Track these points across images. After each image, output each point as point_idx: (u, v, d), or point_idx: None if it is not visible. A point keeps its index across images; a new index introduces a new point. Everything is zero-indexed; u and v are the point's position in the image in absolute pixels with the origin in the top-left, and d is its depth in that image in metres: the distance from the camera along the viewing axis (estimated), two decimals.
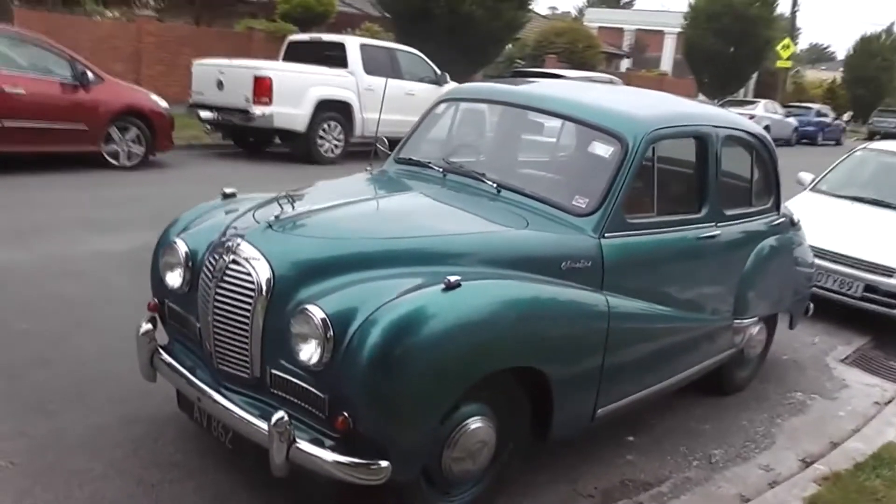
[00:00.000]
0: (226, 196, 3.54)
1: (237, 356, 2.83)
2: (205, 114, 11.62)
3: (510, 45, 30.24)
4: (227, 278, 2.82)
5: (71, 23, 15.71)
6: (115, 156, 9.53)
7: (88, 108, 9.07)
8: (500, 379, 2.89)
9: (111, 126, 9.36)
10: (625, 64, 41.62)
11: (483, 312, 2.71)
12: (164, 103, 10.06)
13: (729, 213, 4.03)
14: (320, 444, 2.61)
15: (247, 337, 2.77)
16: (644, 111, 3.71)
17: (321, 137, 11.71)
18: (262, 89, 10.98)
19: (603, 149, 3.47)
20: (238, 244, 2.83)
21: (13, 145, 8.52)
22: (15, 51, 8.73)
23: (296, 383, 2.69)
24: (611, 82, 15.58)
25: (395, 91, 11.85)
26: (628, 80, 29.59)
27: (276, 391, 2.77)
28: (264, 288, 2.72)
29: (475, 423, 2.84)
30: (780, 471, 3.81)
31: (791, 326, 5.05)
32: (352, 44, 12.43)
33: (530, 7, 20.83)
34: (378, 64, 12.40)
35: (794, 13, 36.04)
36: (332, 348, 2.55)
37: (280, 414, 2.58)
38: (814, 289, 6.01)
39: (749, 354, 4.61)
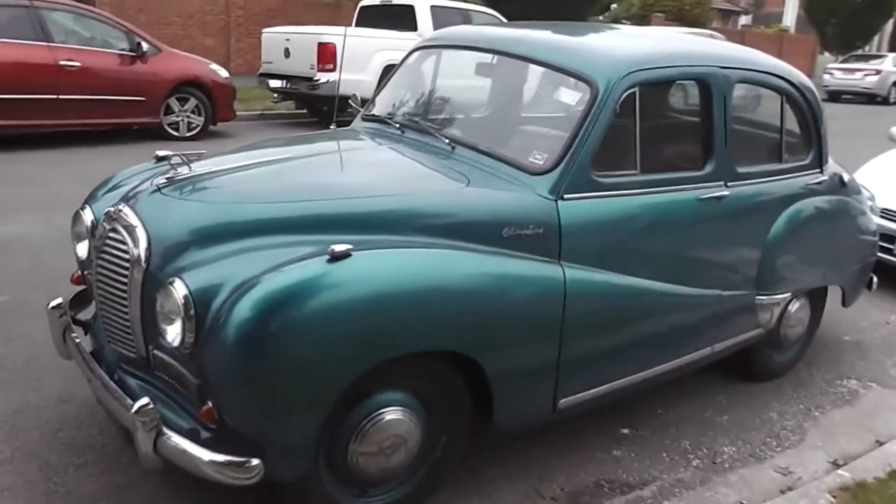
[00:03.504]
0: (159, 159, 3.24)
1: (122, 333, 2.56)
2: (274, 83, 11.54)
3: (615, 5, 28.90)
4: (106, 248, 2.55)
5: None
6: (176, 127, 9.53)
7: (146, 80, 9.07)
8: (428, 365, 2.51)
9: (170, 97, 9.35)
10: (742, 20, 39.11)
11: (377, 287, 2.30)
12: (224, 73, 10.00)
13: (745, 170, 3.39)
14: (194, 437, 2.30)
15: (127, 312, 2.49)
16: (622, 51, 3.13)
17: None
18: (327, 55, 10.73)
19: (570, 95, 2.97)
20: (121, 211, 2.56)
21: (70, 118, 8.60)
22: (73, 24, 8.77)
23: (173, 365, 2.39)
24: (711, 37, 14.54)
25: None
26: (743, 37, 27.87)
27: (159, 373, 2.48)
28: (142, 258, 2.42)
29: (391, 415, 2.47)
30: (799, 474, 3.21)
31: (844, 303, 4.31)
32: (421, 5, 12.00)
33: None
34: (450, 26, 11.88)
35: None
36: (194, 327, 2.23)
37: (144, 400, 2.29)
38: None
39: (788, 336, 3.97)
